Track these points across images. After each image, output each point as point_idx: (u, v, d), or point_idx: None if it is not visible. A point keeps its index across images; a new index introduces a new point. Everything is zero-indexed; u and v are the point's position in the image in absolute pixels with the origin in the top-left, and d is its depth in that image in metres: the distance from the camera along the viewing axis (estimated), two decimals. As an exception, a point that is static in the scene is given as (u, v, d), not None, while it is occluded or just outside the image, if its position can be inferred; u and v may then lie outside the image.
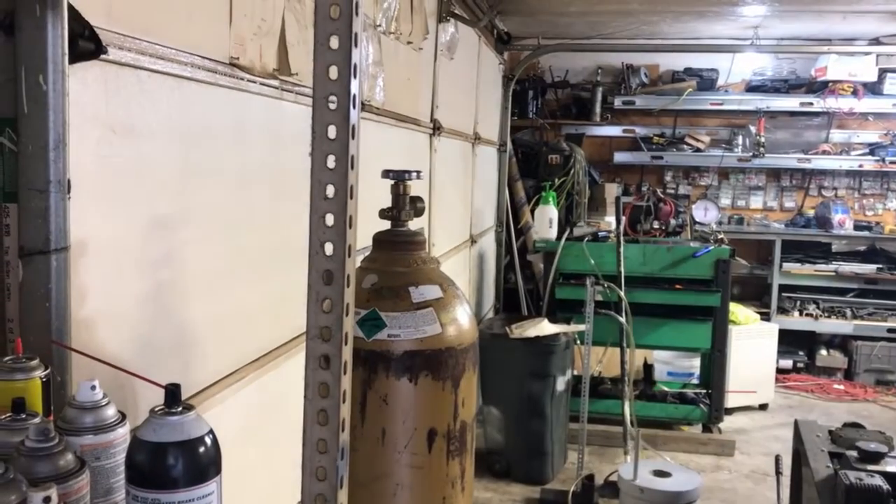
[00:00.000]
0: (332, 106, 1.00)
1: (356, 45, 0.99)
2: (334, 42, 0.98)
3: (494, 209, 6.40)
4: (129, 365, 1.59)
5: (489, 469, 4.66)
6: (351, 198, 1.00)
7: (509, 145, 6.61)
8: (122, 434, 1.04)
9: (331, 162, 1.00)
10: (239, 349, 2.09)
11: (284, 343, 2.31)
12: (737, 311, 5.99)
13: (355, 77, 0.99)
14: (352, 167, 1.00)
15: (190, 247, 1.81)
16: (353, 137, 0.99)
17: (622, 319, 4.68)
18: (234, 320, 2.05)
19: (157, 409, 0.95)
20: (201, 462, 0.95)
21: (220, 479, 0.98)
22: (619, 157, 7.45)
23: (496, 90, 6.39)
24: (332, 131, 1.00)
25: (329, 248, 1.01)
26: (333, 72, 0.99)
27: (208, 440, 0.95)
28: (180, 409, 0.94)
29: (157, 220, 1.69)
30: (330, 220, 1.01)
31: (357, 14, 0.98)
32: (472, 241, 5.38)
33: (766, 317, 6.70)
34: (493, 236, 6.37)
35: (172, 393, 0.93)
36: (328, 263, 1.01)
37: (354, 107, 1.00)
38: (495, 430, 4.69)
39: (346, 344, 1.01)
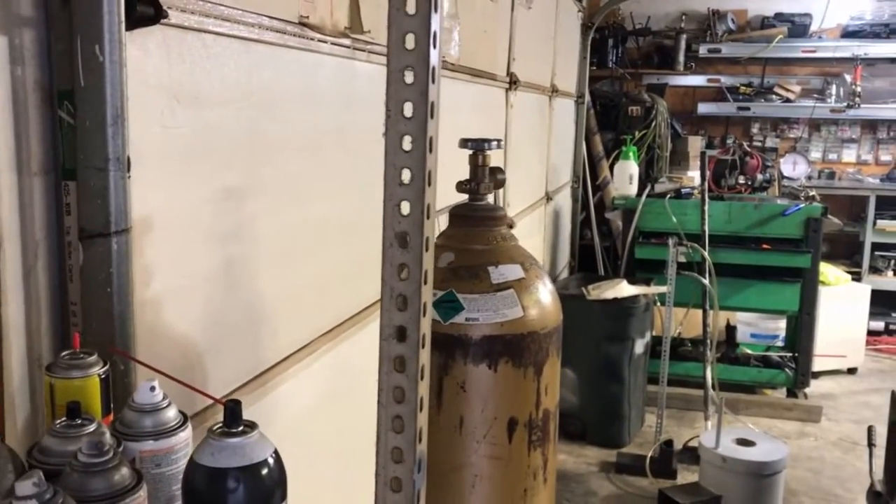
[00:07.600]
0: (409, 80, 0.89)
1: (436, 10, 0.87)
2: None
3: (571, 164, 6.19)
4: (199, 343, 1.54)
5: (564, 431, 4.57)
6: (429, 185, 0.90)
7: (587, 97, 6.36)
8: (184, 438, 0.96)
9: (407, 144, 0.89)
10: (312, 321, 2.02)
11: (358, 312, 2.24)
12: (827, 271, 5.69)
13: (435, 47, 0.88)
14: (430, 150, 0.89)
15: (260, 218, 1.73)
16: (431, 117, 0.88)
17: (706, 281, 4.49)
18: (307, 291, 1.98)
19: (215, 427, 0.86)
20: (265, 487, 0.85)
21: (285, 505, 0.89)
22: (704, 108, 7.14)
23: (574, 39, 6.14)
24: (408, 108, 0.89)
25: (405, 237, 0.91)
26: (410, 40, 0.87)
27: (272, 461, 0.86)
28: (241, 428, 0.85)
29: (226, 191, 1.61)
30: (406, 208, 0.91)
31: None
32: (548, 198, 5.22)
33: (857, 277, 6.38)
34: (569, 192, 6.18)
35: (232, 410, 0.84)
36: (403, 257, 0.91)
37: (434, 81, 0.88)
38: (570, 392, 4.59)
39: (421, 378, 0.91)
